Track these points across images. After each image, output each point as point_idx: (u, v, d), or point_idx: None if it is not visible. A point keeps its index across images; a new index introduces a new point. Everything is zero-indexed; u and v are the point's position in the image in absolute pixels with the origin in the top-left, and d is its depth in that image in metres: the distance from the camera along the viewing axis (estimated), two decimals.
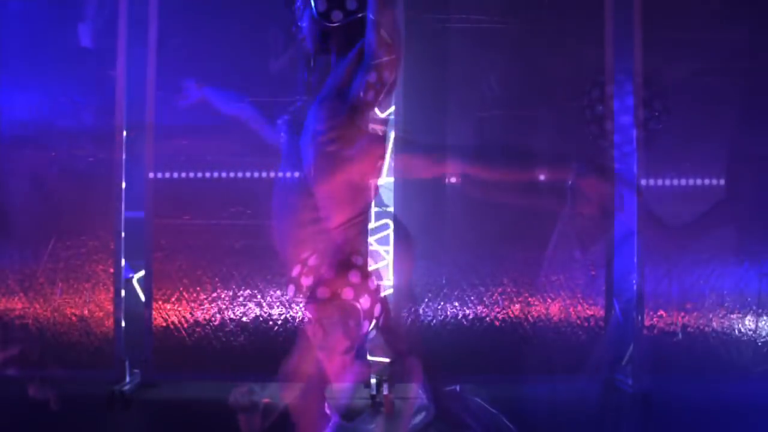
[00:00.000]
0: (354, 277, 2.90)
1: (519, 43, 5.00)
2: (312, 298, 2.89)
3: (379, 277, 3.03)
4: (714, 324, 4.87)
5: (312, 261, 2.95)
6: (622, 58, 4.92)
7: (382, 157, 3.04)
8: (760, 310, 4.87)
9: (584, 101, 4.91)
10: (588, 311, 4.94)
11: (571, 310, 4.92)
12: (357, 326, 2.92)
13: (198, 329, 4.97)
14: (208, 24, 5.01)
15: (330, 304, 2.87)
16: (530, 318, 4.95)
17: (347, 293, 2.89)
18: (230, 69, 4.94)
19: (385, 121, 5.26)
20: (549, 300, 4.93)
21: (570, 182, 4.86)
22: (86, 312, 4.96)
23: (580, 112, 4.90)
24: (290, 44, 5.05)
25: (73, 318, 4.96)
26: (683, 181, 4.93)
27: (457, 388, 3.28)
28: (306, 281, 2.98)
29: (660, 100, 4.81)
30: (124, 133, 4.96)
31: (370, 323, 2.95)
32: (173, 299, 4.97)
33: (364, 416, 3.03)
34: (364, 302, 2.92)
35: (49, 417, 4.25)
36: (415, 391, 3.06)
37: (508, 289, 4.95)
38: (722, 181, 4.95)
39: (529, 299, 4.95)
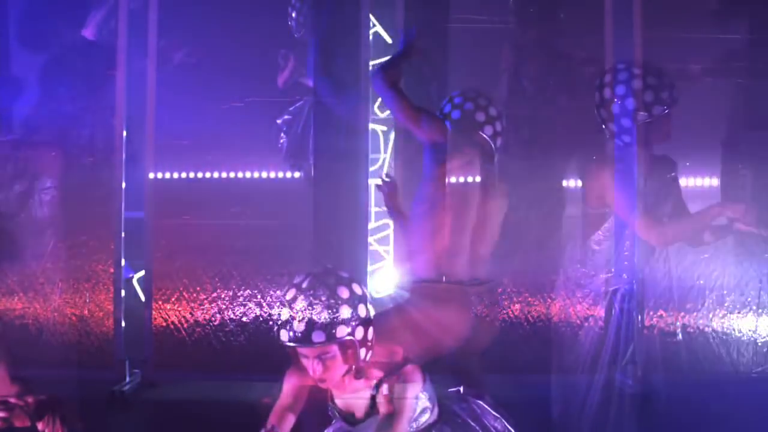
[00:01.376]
0: (344, 312, 2.91)
1: (519, 42, 5.00)
2: (307, 342, 2.90)
3: (368, 303, 3.03)
4: (714, 324, 4.88)
5: (300, 303, 2.94)
6: (622, 51, 4.91)
7: None
8: (760, 310, 4.87)
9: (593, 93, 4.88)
10: (588, 311, 4.93)
11: (570, 310, 4.91)
12: (354, 354, 2.93)
13: (198, 329, 4.96)
14: (208, 23, 5.01)
15: (325, 342, 2.89)
16: (530, 318, 4.95)
17: (341, 331, 2.90)
18: (231, 68, 4.93)
19: (386, 121, 5.28)
20: (549, 300, 4.93)
21: (579, 181, 4.87)
22: (86, 312, 4.95)
23: (584, 109, 4.89)
24: (292, 51, 5.07)
25: (73, 318, 4.95)
26: (683, 182, 4.93)
27: (460, 389, 3.29)
28: (301, 303, 2.95)
29: (655, 92, 4.77)
30: (124, 133, 4.95)
31: (367, 350, 2.96)
32: (173, 299, 4.97)
33: (367, 422, 3.03)
34: (359, 333, 2.93)
35: None
36: (416, 393, 3.06)
37: (508, 289, 4.95)
38: (722, 181, 4.95)
39: (529, 299, 4.95)
